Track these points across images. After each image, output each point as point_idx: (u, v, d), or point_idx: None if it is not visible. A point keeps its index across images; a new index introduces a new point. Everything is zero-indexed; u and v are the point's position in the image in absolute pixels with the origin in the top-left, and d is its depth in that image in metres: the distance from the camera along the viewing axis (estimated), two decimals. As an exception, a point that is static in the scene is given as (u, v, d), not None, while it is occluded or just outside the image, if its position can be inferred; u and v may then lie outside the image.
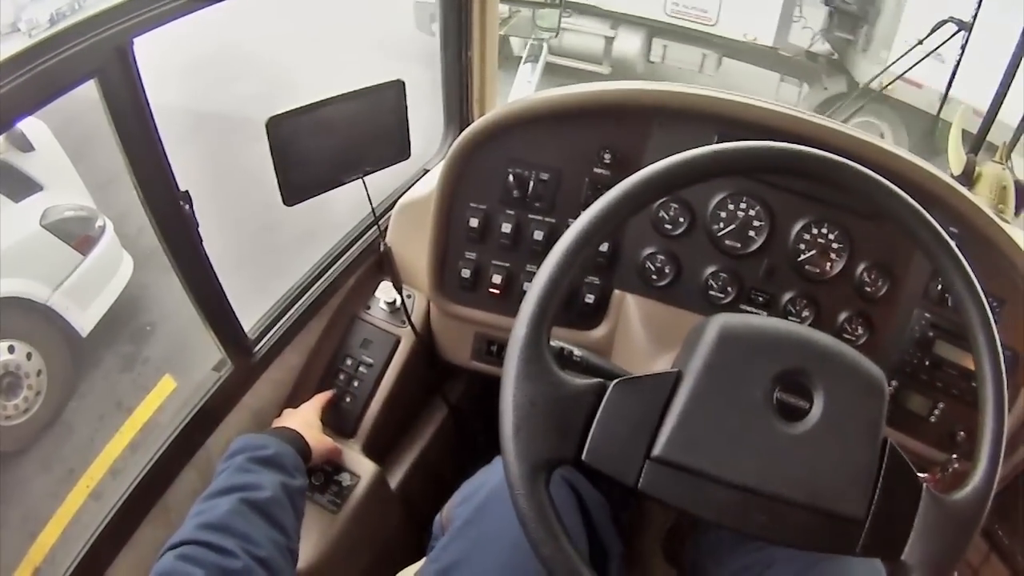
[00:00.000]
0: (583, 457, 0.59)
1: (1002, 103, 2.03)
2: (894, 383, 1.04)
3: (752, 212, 1.02)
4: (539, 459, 0.58)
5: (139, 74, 0.80)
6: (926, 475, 0.65)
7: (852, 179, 0.67)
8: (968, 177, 1.78)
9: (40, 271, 2.73)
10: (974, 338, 0.67)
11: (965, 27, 2.07)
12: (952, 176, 1.77)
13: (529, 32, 1.63)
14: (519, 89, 1.77)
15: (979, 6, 2.07)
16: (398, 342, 1.24)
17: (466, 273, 1.13)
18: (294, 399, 1.21)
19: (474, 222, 1.10)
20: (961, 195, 0.97)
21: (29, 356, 2.73)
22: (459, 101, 1.43)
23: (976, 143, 1.95)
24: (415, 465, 1.33)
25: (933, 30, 1.96)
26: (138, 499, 0.98)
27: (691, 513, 0.60)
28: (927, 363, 1.03)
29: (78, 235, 2.85)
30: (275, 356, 1.16)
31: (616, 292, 1.09)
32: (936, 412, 1.04)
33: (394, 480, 1.28)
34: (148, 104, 0.83)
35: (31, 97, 0.72)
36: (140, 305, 3.18)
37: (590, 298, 1.09)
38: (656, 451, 0.59)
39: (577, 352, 0.81)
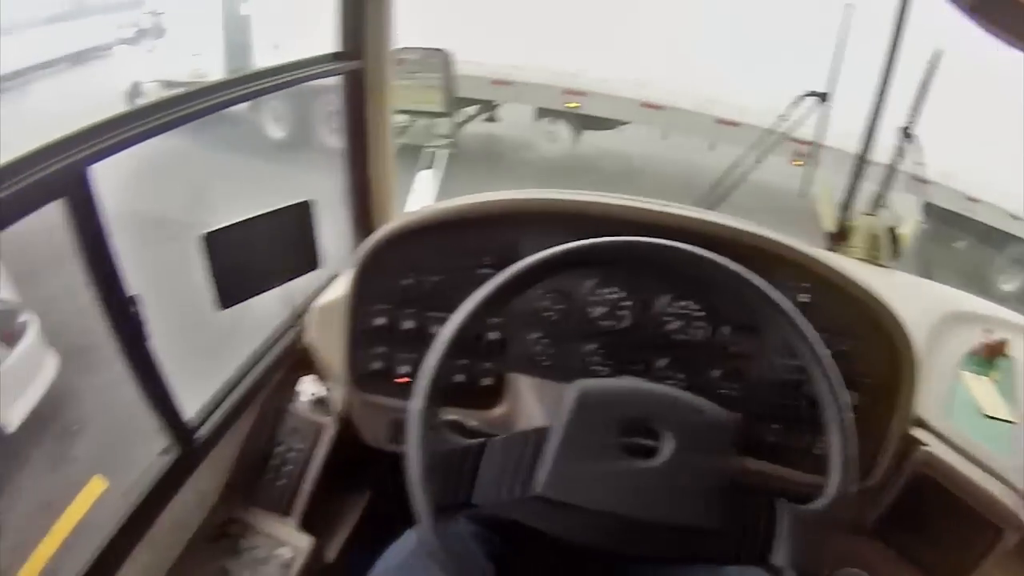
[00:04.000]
0: (472, 499, 0.73)
1: (864, 164, 2.29)
2: (776, 425, 1.15)
3: (621, 294, 1.14)
4: (439, 502, 0.72)
5: (95, 196, 0.90)
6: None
7: (682, 258, 0.83)
8: (841, 232, 2.01)
9: (-41, 364, 2.65)
10: (809, 370, 0.81)
11: (824, 98, 2.35)
12: (826, 233, 2.02)
13: (426, 140, 1.80)
14: (417, 195, 1.92)
15: (834, 81, 2.36)
16: (321, 429, 1.35)
17: (376, 366, 1.22)
18: (233, 482, 1.30)
19: (380, 321, 1.20)
20: (805, 254, 1.10)
21: (-51, 451, 2.62)
22: (363, 212, 1.56)
23: (846, 200, 2.20)
24: (349, 538, 1.42)
25: (794, 103, 2.20)
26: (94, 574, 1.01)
27: (566, 539, 0.73)
28: (802, 403, 1.13)
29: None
30: (213, 444, 1.23)
31: (509, 374, 1.20)
32: (819, 445, 1.13)
33: (331, 552, 1.36)
34: (104, 221, 0.92)
35: (9, 211, 0.80)
36: (67, 403, 3.11)
37: (487, 381, 1.19)
38: (532, 490, 0.73)
39: (470, 423, 0.96)
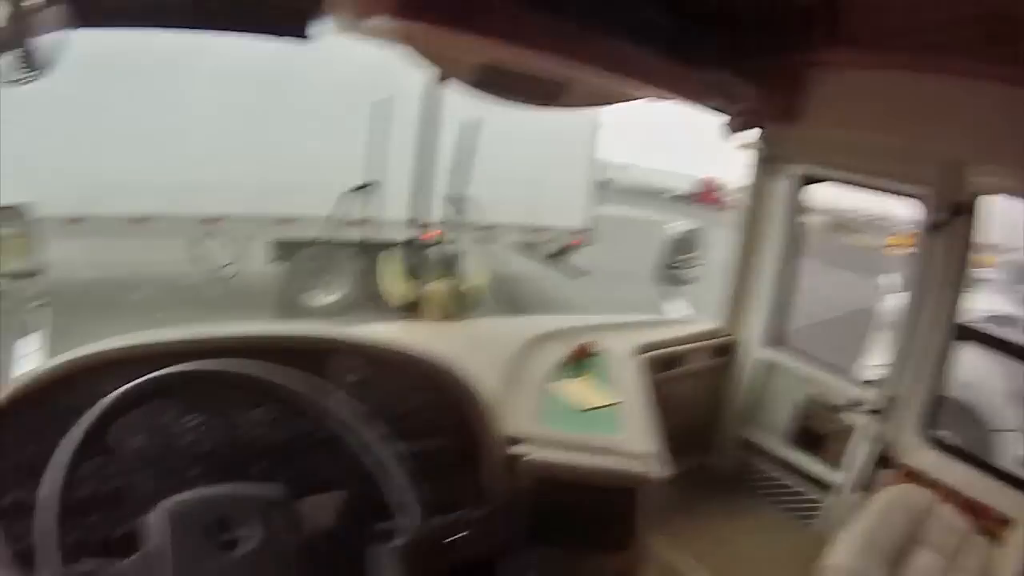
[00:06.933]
0: None
1: (416, 241, 2.50)
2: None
3: (201, 418, 1.11)
4: None
5: None
6: None
7: (197, 379, 0.97)
8: (411, 304, 2.10)
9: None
10: (342, 433, 0.98)
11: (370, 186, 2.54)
12: (397, 308, 2.09)
13: (17, 305, 1.41)
14: (25, 364, 1.58)
15: (382, 168, 2.55)
16: None
17: None
18: None
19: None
20: (351, 338, 1.24)
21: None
22: None
23: (411, 273, 2.33)
24: None
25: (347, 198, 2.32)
26: None
27: None
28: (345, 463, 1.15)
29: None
30: None
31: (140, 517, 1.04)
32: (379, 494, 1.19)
33: None
34: None
35: None
36: None
37: (121, 530, 1.04)
38: None
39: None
